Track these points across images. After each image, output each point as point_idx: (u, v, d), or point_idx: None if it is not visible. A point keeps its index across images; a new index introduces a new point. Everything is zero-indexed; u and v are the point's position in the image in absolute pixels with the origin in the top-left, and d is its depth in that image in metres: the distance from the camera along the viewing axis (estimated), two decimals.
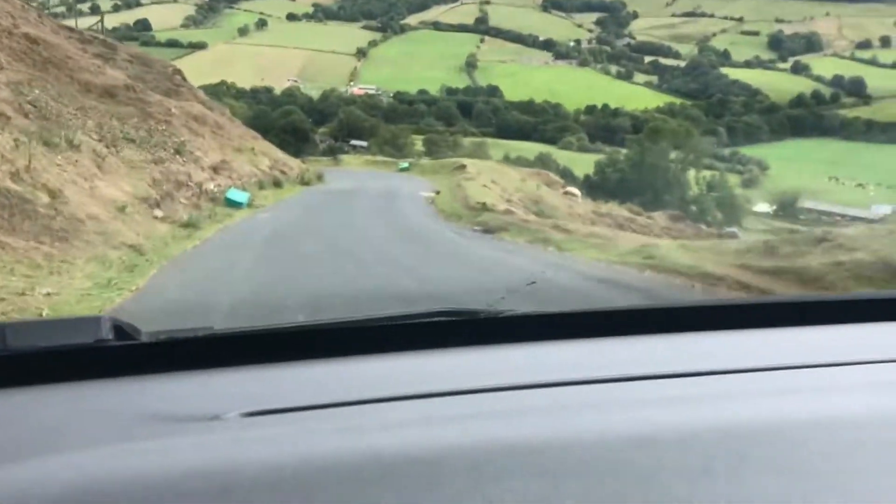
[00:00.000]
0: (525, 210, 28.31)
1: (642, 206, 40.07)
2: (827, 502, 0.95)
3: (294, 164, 39.61)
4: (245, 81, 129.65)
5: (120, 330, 1.36)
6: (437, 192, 33.17)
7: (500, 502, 0.92)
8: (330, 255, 14.92)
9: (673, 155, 59.01)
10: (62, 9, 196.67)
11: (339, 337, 1.53)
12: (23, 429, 1.15)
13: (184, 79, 44.14)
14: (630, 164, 57.66)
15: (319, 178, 38.18)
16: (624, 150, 65.43)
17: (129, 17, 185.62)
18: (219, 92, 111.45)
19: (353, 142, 66.58)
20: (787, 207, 65.01)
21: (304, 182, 35.56)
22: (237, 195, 25.34)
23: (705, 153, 65.67)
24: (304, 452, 1.05)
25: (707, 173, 64.14)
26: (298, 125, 61.92)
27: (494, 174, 40.90)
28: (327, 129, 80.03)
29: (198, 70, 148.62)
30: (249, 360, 1.40)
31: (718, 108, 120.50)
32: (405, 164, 51.75)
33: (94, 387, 1.29)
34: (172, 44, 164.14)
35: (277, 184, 31.94)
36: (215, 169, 27.24)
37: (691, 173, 60.77)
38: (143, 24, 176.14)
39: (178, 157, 25.13)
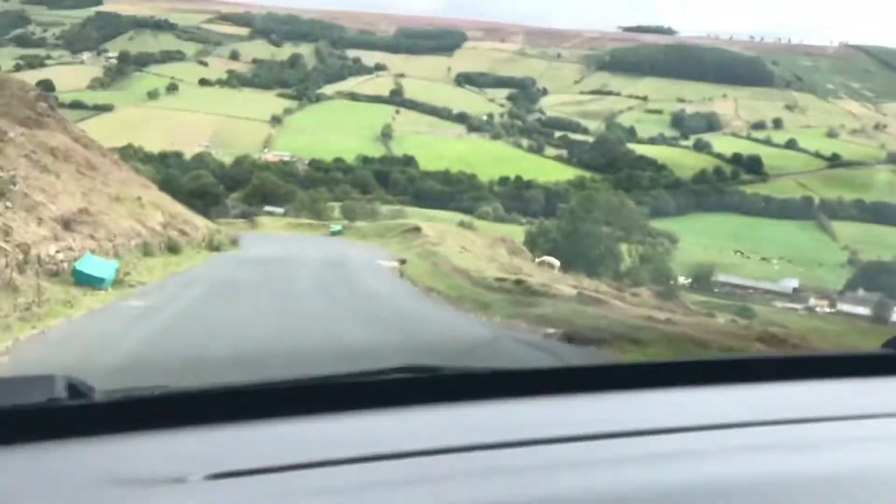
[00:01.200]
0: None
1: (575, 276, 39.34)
2: None
3: (200, 224, 32.12)
4: (154, 146, 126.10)
5: (73, 388, 1.32)
6: (403, 261, 27.30)
7: None
8: None
9: (605, 227, 58.79)
10: None
11: (304, 395, 1.48)
12: None
13: (52, 108, 38.44)
14: (563, 234, 56.80)
15: (234, 242, 32.35)
16: (542, 220, 65.45)
17: (31, 76, 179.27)
18: (125, 155, 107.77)
19: (268, 207, 64.00)
20: (702, 280, 66.36)
21: (214, 247, 29.14)
22: (94, 266, 17.41)
23: (638, 224, 66.05)
24: None
25: (638, 245, 64.44)
26: (209, 188, 59.15)
27: (458, 238, 36.66)
28: (240, 194, 77.77)
29: (104, 133, 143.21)
30: (211, 419, 1.35)
31: (626, 182, 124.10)
32: (338, 227, 46.97)
33: (49, 448, 1.23)
34: (77, 105, 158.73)
35: (174, 248, 24.94)
36: (67, 223, 19.24)
37: (623, 244, 60.58)
38: (46, 85, 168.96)
39: None
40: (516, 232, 63.47)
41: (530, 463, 1.21)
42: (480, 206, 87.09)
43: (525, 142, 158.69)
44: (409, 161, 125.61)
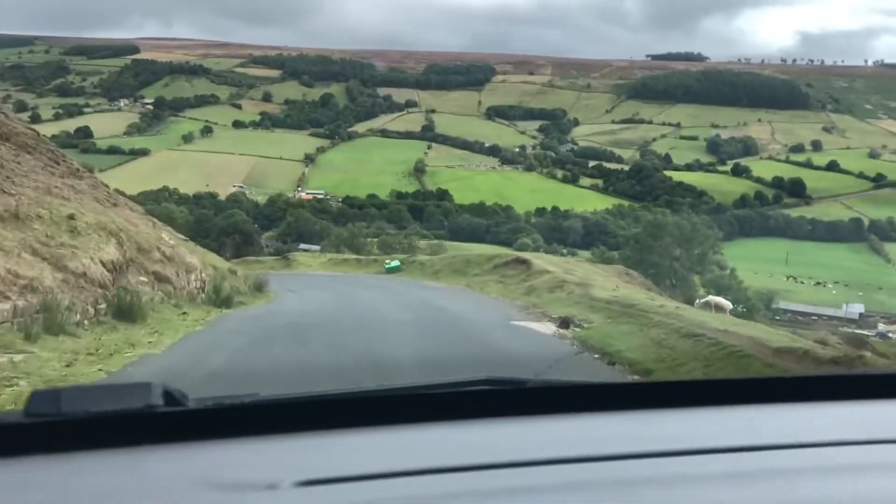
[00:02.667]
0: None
1: None
2: None
3: (207, 261, 21.32)
4: (189, 187, 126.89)
5: (169, 395, 1.37)
6: (567, 324, 15.45)
7: None
8: None
9: (677, 252, 52.09)
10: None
11: (391, 405, 1.52)
12: (80, 495, 1.16)
13: None
14: (630, 263, 47.23)
15: (259, 287, 21.72)
16: (604, 249, 61.25)
17: (71, 125, 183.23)
18: (160, 197, 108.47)
19: (303, 245, 62.40)
20: (762, 308, 62.40)
21: (222, 300, 17.41)
22: None
23: (714, 248, 58.94)
24: None
25: (709, 273, 55.99)
26: (241, 226, 57.74)
27: (592, 273, 28.58)
28: (274, 232, 76.93)
29: (140, 176, 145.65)
30: (301, 427, 1.40)
31: (666, 210, 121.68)
32: (395, 263, 37.71)
33: (149, 453, 1.30)
34: (114, 150, 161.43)
35: (124, 311, 12.90)
36: None
37: (696, 273, 53.69)
38: (85, 132, 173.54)
39: None
40: None
41: (613, 478, 1.23)
42: (519, 238, 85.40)
43: (559, 172, 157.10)
44: (443, 195, 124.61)
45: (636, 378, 10.73)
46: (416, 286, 27.54)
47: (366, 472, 1.21)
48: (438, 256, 38.68)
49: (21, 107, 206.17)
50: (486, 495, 1.14)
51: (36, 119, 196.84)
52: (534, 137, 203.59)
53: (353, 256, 45.85)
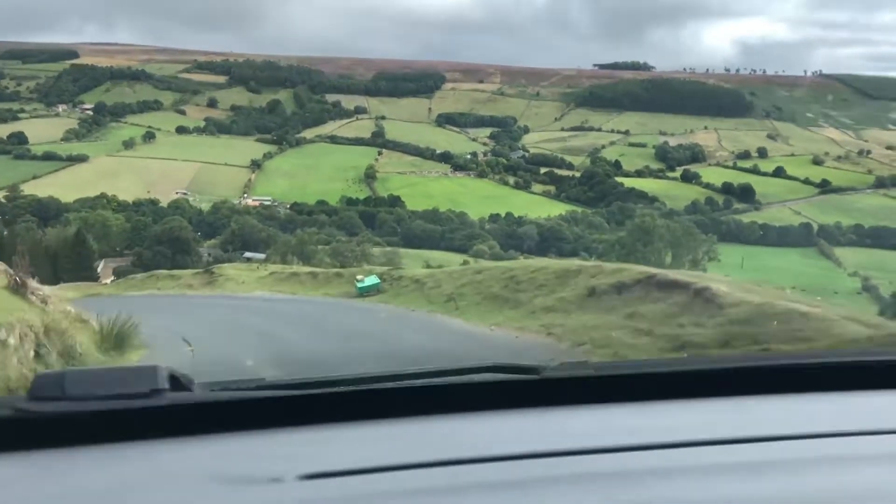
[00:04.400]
0: None
1: None
2: None
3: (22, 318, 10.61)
4: (129, 195, 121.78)
5: (175, 380, 1.36)
6: None
7: None
8: None
9: (668, 258, 48.42)
10: None
11: (397, 397, 1.50)
12: (91, 489, 1.15)
13: None
14: None
15: (122, 341, 12.55)
16: (586, 256, 58.79)
17: (4, 130, 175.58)
18: (97, 205, 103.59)
19: (248, 254, 58.32)
20: None
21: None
22: None
23: (710, 253, 54.26)
24: None
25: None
26: (177, 233, 53.94)
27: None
28: (216, 240, 73.20)
29: (77, 183, 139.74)
30: (305, 420, 1.39)
31: (619, 216, 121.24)
32: (372, 280, 25.38)
33: (155, 447, 1.29)
34: (50, 157, 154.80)
35: None
36: None
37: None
38: (19, 138, 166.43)
39: None
40: None
41: (616, 470, 1.21)
42: (475, 244, 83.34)
43: (511, 179, 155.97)
44: (395, 201, 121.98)
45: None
46: (431, 330, 15.62)
47: (370, 465, 1.19)
48: (446, 270, 25.41)
49: None
50: (491, 488, 1.13)
51: None
52: (485, 144, 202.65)
53: (306, 269, 34.22)
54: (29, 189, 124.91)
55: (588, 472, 1.19)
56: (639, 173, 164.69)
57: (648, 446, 1.29)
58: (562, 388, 1.56)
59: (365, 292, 24.45)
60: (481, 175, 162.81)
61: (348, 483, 1.15)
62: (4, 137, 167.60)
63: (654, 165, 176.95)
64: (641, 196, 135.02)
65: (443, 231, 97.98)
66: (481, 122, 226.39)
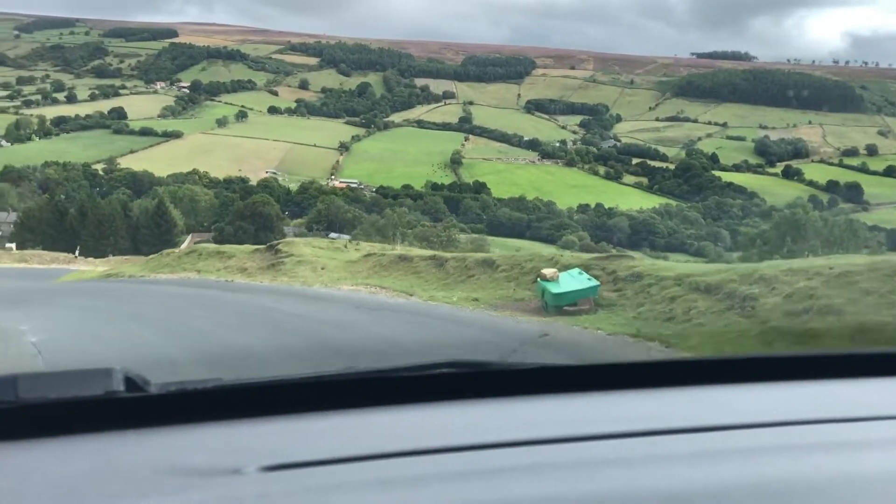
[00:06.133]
0: None
1: None
2: None
3: None
4: (220, 172, 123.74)
5: (130, 381, 1.34)
6: None
7: None
8: None
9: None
10: (38, 96, 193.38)
11: (355, 388, 1.50)
12: (43, 482, 1.14)
13: None
14: None
15: None
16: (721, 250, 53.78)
17: (105, 105, 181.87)
18: (188, 180, 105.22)
19: (333, 235, 57.24)
20: None
21: None
22: None
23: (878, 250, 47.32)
24: None
25: None
26: (261, 209, 52.77)
27: None
28: (303, 220, 72.59)
29: (171, 158, 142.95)
30: (265, 411, 1.39)
31: (716, 211, 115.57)
32: (583, 280, 14.09)
33: (111, 439, 1.27)
34: (146, 132, 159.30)
35: None
36: None
37: None
38: (119, 113, 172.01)
39: None
40: None
41: (577, 459, 1.22)
42: (563, 235, 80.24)
43: (601, 168, 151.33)
44: (480, 188, 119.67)
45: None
46: None
47: (331, 457, 1.19)
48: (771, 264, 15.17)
49: (58, 87, 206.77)
50: (452, 477, 1.14)
51: (72, 99, 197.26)
52: (574, 132, 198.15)
53: (422, 251, 24.67)
54: (125, 162, 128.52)
55: (544, 461, 1.20)
56: (736, 167, 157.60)
57: (605, 436, 1.30)
58: (525, 379, 1.57)
59: (562, 304, 13.64)
60: (570, 164, 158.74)
61: (309, 474, 1.15)
62: (105, 112, 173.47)
63: (753, 160, 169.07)
64: (739, 191, 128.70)
65: (529, 220, 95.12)
66: (571, 109, 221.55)
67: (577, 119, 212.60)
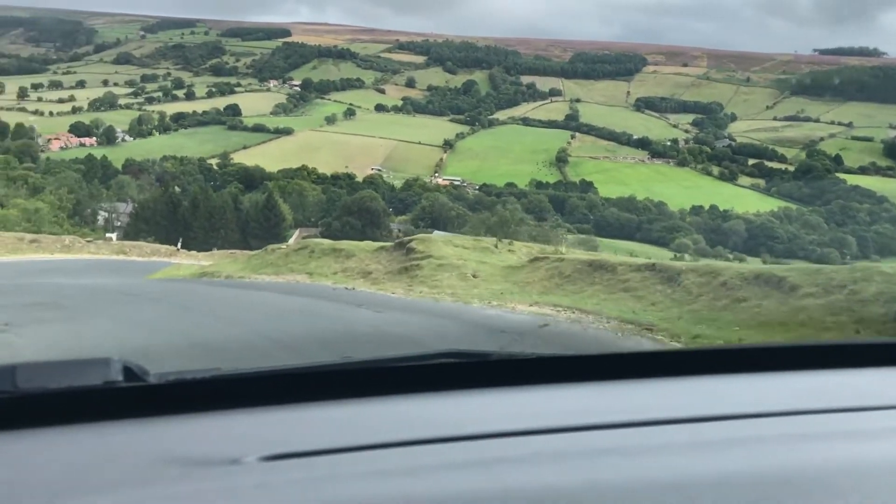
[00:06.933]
0: None
1: None
2: None
3: None
4: (328, 168, 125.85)
5: (129, 371, 1.34)
6: None
7: None
8: None
9: None
10: (159, 94, 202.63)
11: (355, 379, 1.50)
12: (42, 472, 1.13)
13: None
14: None
15: None
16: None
17: (221, 102, 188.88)
18: (297, 175, 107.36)
19: (437, 232, 55.97)
20: None
21: None
22: None
23: None
24: (330, 498, 1.01)
25: None
26: (368, 204, 52.58)
27: None
28: (407, 216, 72.38)
29: (282, 154, 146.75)
30: (264, 401, 1.38)
31: (840, 216, 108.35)
32: None
33: (111, 428, 1.27)
34: (259, 129, 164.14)
35: None
36: None
37: None
38: (234, 110, 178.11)
39: None
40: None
41: (576, 449, 1.21)
42: (675, 238, 76.63)
43: (715, 169, 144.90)
44: (587, 187, 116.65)
45: None
46: None
47: (331, 447, 1.19)
48: None
49: (178, 84, 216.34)
50: (451, 468, 1.13)
51: (191, 96, 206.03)
52: (686, 131, 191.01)
53: (633, 260, 18.47)
54: (238, 158, 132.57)
55: (544, 451, 1.19)
56: (863, 170, 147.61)
57: (605, 426, 1.30)
58: (524, 369, 1.56)
59: None
60: (681, 163, 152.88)
61: (309, 464, 1.14)
62: (221, 109, 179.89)
63: (883, 162, 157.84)
64: (867, 195, 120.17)
65: (639, 221, 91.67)
66: (683, 107, 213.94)
67: (690, 117, 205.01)
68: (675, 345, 9.78)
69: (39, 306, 12.04)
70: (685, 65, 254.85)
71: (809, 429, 1.31)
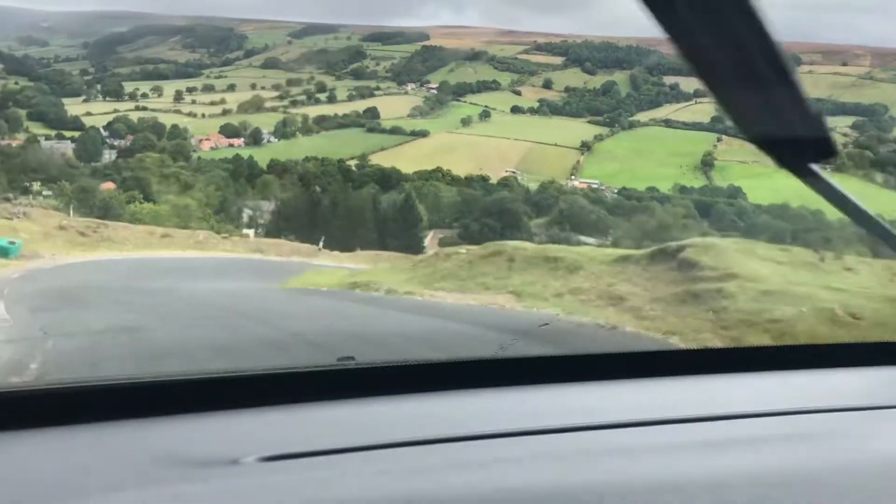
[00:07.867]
0: None
1: None
2: None
3: None
4: (462, 169, 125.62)
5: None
6: None
7: None
8: None
9: None
10: (303, 97, 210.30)
11: (351, 379, 1.49)
12: (42, 472, 1.13)
13: None
14: None
15: None
16: None
17: (361, 105, 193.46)
18: (432, 177, 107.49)
19: (581, 237, 53.34)
20: None
21: None
22: None
23: None
24: (329, 498, 1.01)
25: None
26: (508, 205, 51.09)
27: None
28: (544, 219, 70.31)
29: (417, 156, 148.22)
30: (263, 401, 1.36)
31: None
32: None
33: (112, 428, 1.26)
34: (396, 131, 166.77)
35: None
36: None
37: None
38: (372, 113, 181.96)
39: None
40: None
41: (575, 449, 1.21)
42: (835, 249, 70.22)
43: (879, 176, 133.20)
44: (735, 192, 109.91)
45: None
46: None
47: (330, 447, 1.19)
48: None
49: (321, 88, 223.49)
50: (451, 468, 1.13)
51: (332, 99, 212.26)
52: (845, 135, 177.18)
53: None
54: (375, 159, 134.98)
55: (540, 451, 1.19)
56: None
57: (602, 426, 1.29)
58: (523, 369, 1.56)
59: None
60: (839, 169, 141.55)
61: (308, 465, 1.13)
62: (361, 112, 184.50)
63: None
64: None
65: (794, 230, 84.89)
66: (842, 109, 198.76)
67: (849, 120, 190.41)
68: (677, 345, 9.60)
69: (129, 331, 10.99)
70: (844, 64, 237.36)
71: (809, 429, 1.30)
